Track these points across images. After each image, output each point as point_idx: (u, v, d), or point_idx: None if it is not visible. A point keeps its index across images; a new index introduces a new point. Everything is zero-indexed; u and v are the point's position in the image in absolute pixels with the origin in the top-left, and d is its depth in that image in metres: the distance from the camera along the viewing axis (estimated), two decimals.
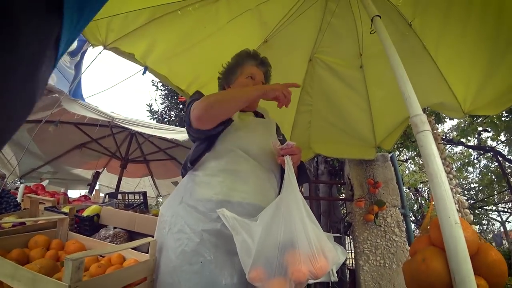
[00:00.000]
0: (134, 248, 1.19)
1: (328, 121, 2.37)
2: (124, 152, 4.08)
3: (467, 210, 1.87)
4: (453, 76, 1.85)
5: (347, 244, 3.04)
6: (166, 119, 6.78)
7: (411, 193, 11.74)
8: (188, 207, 1.05)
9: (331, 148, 2.55)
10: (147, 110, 6.94)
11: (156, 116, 6.82)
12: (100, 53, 1.66)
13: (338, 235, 2.56)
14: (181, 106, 6.68)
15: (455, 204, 1.86)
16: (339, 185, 3.83)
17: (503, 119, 4.88)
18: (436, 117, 4.70)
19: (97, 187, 4.36)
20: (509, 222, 13.70)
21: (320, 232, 0.87)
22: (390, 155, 2.91)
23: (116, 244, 1.39)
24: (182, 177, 1.25)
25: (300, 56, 2.10)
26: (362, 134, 2.42)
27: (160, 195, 5.83)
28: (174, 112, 6.88)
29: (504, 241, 14.94)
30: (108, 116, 2.72)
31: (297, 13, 1.83)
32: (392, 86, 1.92)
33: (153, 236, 1.50)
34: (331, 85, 2.18)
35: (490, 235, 14.84)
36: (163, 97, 6.99)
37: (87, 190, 4.05)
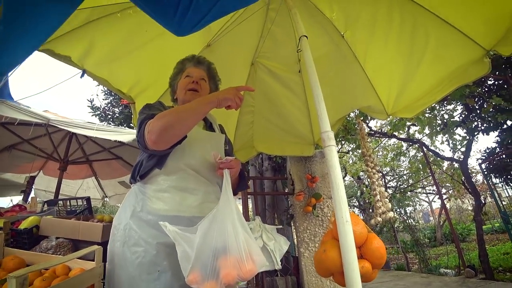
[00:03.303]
0: (80, 258, 1.18)
1: (270, 121, 2.52)
2: (63, 153, 3.78)
3: (387, 200, 2.17)
4: (378, 83, 2.11)
5: (292, 233, 3.28)
6: (109, 116, 6.32)
7: (354, 181, 12.82)
8: (141, 221, 1.10)
9: (273, 146, 2.72)
10: (88, 106, 6.39)
11: (99, 112, 6.30)
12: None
13: (281, 226, 2.77)
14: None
15: (377, 195, 2.17)
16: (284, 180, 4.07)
17: (426, 115, 5.58)
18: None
19: (33, 193, 3.97)
20: (434, 201, 15.82)
21: (250, 239, 0.98)
22: None
23: (59, 255, 1.36)
24: (131, 184, 1.28)
25: (242, 59, 2.19)
26: (301, 132, 2.62)
27: (107, 196, 5.52)
28: (118, 109, 6.44)
29: (430, 218, 17.22)
30: (43, 118, 2.48)
31: (239, 19, 1.91)
32: (326, 90, 2.14)
33: (99, 243, 1.50)
34: (272, 87, 2.32)
35: (420, 214, 16.95)
36: (106, 92, 6.50)
37: (21, 197, 3.69)
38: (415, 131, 7.06)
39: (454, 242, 6.42)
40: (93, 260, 1.18)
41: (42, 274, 1.10)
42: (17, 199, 4.07)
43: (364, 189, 10.32)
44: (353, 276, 0.77)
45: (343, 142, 6.52)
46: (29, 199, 3.11)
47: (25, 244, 1.49)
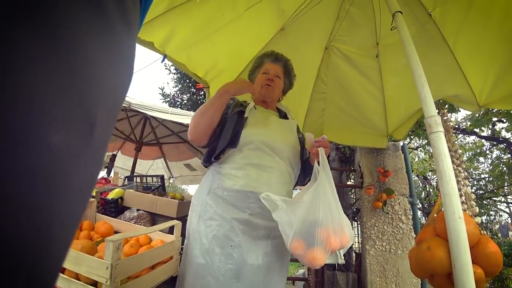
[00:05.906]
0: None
1: (342, 109, 2.38)
2: (138, 135, 4.17)
3: (473, 202, 1.89)
4: (470, 69, 1.83)
5: (354, 229, 3.12)
6: (178, 103, 6.79)
7: (419, 181, 11.72)
8: (216, 197, 1.15)
9: (343, 135, 2.58)
10: (159, 93, 6.94)
11: (169, 99, 6.81)
12: None
13: None
14: (193, 89, 6.67)
15: (462, 196, 1.91)
16: (348, 172, 3.86)
17: None
18: (450, 107, 4.63)
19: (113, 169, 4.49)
20: None
21: (342, 212, 1.02)
22: (401, 144, 2.93)
23: (140, 225, 1.49)
24: (205, 167, 1.34)
25: (316, 44, 2.09)
26: (374, 123, 2.43)
27: (172, 177, 5.96)
28: (187, 96, 6.85)
29: (510, 233, 14.85)
30: (125, 101, 2.78)
31: (315, 1, 1.82)
32: (407, 77, 1.92)
33: (174, 218, 1.61)
34: (346, 73, 2.18)
35: (497, 226, 14.76)
36: (175, 80, 6.95)
37: (105, 172, 4.19)
38: (502, 128, 6.10)
39: None
40: (169, 233, 1.26)
41: (128, 241, 1.20)
42: (101, 174, 4.61)
43: (431, 190, 9.37)
44: (466, 281, 0.67)
45: (412, 136, 5.97)
46: (112, 174, 3.50)
47: (112, 212, 1.67)
